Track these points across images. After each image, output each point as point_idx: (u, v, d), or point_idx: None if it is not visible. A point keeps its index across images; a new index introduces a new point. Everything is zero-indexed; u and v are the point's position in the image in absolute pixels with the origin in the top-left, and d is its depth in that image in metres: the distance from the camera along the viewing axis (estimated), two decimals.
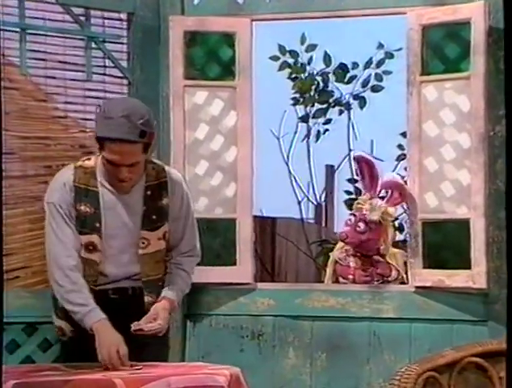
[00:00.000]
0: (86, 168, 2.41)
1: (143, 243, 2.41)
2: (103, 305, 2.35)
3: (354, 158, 3.24)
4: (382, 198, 3.24)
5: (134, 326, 2.33)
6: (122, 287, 2.44)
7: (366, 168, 3.18)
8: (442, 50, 2.97)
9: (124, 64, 3.16)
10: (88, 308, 2.33)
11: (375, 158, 3.41)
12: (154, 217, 2.42)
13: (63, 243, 2.37)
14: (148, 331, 2.35)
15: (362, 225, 3.16)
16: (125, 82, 3.18)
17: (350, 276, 3.19)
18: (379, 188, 3.19)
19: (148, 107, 3.27)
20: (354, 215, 3.21)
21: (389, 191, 3.22)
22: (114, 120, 2.28)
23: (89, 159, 2.45)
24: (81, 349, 2.35)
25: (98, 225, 2.37)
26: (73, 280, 2.36)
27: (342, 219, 4.66)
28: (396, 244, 4.10)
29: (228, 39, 3.16)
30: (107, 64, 3.14)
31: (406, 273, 3.15)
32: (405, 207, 4.46)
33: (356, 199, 3.52)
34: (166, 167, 2.52)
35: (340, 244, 3.35)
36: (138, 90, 3.18)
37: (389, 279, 3.20)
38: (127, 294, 2.44)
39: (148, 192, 2.42)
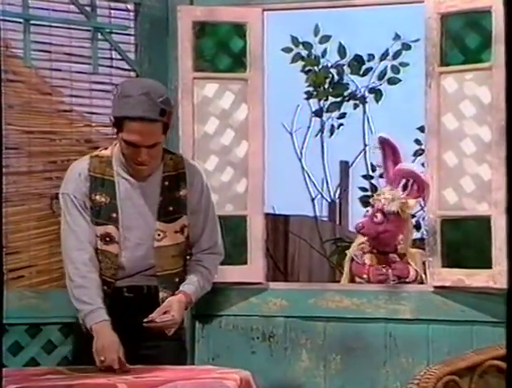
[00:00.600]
0: (102, 157, 2.41)
1: (158, 235, 2.39)
2: (118, 304, 2.35)
3: (377, 140, 3.20)
4: (404, 190, 3.21)
5: (146, 319, 2.32)
6: (137, 285, 2.41)
7: (389, 153, 3.14)
8: (461, 40, 2.95)
9: (132, 56, 3.16)
10: (92, 307, 2.32)
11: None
12: (171, 208, 2.40)
13: (76, 236, 2.37)
14: (161, 323, 2.32)
15: (379, 216, 3.14)
16: (132, 74, 3.17)
17: (365, 275, 3.17)
18: (398, 177, 3.16)
19: None
20: (373, 206, 3.19)
21: (409, 183, 3.18)
22: (133, 98, 2.26)
23: (105, 149, 2.45)
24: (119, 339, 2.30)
25: (114, 215, 2.36)
26: (82, 275, 2.35)
27: (356, 217, 4.64)
28: (413, 242, 4.05)
29: (239, 29, 3.14)
30: (113, 56, 3.13)
31: (424, 273, 3.11)
32: (423, 203, 4.43)
33: (372, 196, 3.49)
34: (185, 158, 2.52)
35: (357, 241, 3.33)
36: None
37: (407, 280, 3.17)
38: (142, 293, 2.41)
39: (166, 183, 2.41)
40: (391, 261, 3.20)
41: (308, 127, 5.49)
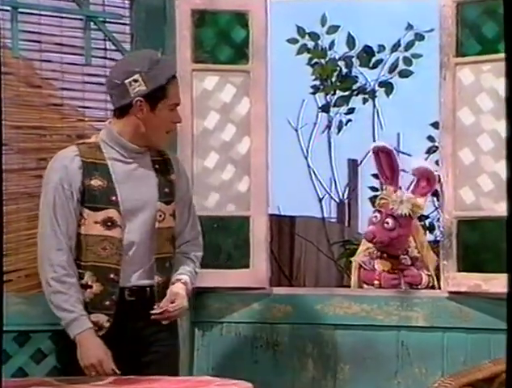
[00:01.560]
0: (89, 143, 2.49)
1: (160, 216, 2.47)
2: (120, 308, 2.39)
3: (372, 150, 3.17)
4: (406, 189, 3.19)
5: (156, 310, 2.38)
6: (139, 286, 2.45)
7: (384, 159, 3.12)
8: (478, 28, 2.93)
9: (127, 46, 3.14)
10: (74, 315, 2.36)
11: (402, 153, 3.35)
12: (167, 190, 2.50)
13: (56, 233, 2.40)
14: (174, 312, 2.40)
15: (390, 222, 3.10)
16: None
17: (376, 282, 3.13)
18: (400, 181, 3.14)
19: None
20: (380, 211, 3.14)
21: (414, 181, 3.14)
22: (161, 60, 2.46)
23: (88, 137, 2.55)
24: (118, 343, 2.38)
25: (114, 198, 2.42)
26: (61, 279, 2.39)
27: (366, 218, 4.59)
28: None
29: (241, 18, 3.13)
30: (107, 46, 3.11)
31: (438, 277, 3.08)
32: (437, 204, 4.40)
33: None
34: None
35: (362, 246, 3.29)
36: None
37: (419, 287, 3.13)
38: (144, 295, 2.45)
39: (157, 166, 2.51)
40: (403, 266, 3.16)
41: (315, 123, 5.46)
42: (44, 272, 2.41)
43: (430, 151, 4.96)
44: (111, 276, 2.42)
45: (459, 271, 2.94)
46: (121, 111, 2.47)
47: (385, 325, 2.99)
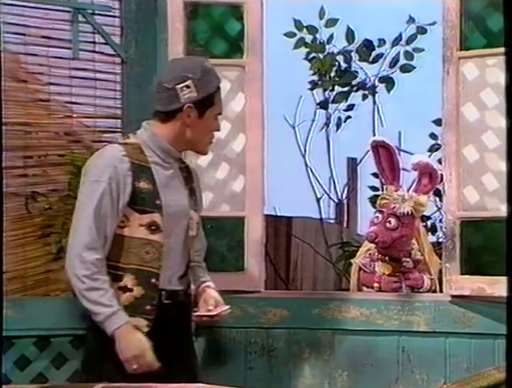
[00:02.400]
0: (132, 144, 2.53)
1: (192, 224, 2.57)
2: (159, 313, 2.45)
3: (371, 145, 3.17)
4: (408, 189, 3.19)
5: (207, 311, 2.51)
6: (174, 290, 2.53)
7: (384, 156, 3.11)
8: (483, 21, 2.92)
9: (116, 39, 3.13)
10: (112, 309, 2.40)
11: (404, 151, 3.35)
12: (194, 198, 2.61)
13: (92, 231, 2.42)
14: (222, 315, 2.56)
15: (393, 221, 3.10)
16: (118, 60, 3.15)
17: (376, 284, 3.12)
18: (401, 179, 3.14)
19: (144, 89, 3.21)
20: (381, 211, 3.13)
21: (416, 178, 3.14)
22: (211, 70, 2.55)
23: (128, 138, 2.58)
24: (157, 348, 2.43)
25: (158, 202, 2.48)
26: (94, 277, 2.41)
27: (365, 219, 4.59)
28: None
29: (236, 11, 3.12)
30: (96, 40, 3.11)
31: (440, 281, 3.07)
32: (439, 204, 4.39)
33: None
34: None
35: (363, 248, 3.28)
36: (132, 69, 3.16)
37: (420, 291, 3.12)
38: (178, 299, 2.54)
39: (184, 174, 2.60)
40: (405, 269, 3.15)
41: (313, 120, 5.48)
42: (74, 269, 2.42)
43: (432, 149, 4.96)
44: (153, 280, 2.47)
45: (462, 274, 2.93)
46: (167, 116, 2.52)
47: (385, 330, 2.98)
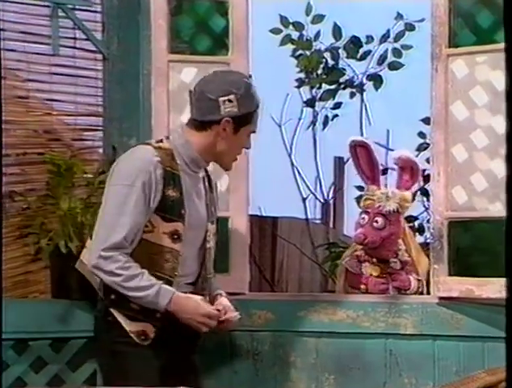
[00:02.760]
0: (166, 150, 2.57)
1: (208, 236, 2.63)
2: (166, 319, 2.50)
3: (349, 146, 3.18)
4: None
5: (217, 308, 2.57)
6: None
7: (363, 155, 3.13)
8: (473, 18, 2.92)
9: (98, 35, 3.12)
10: (157, 286, 2.48)
11: (391, 150, 3.35)
12: (213, 208, 2.67)
13: (122, 234, 2.47)
14: (233, 319, 2.62)
15: (380, 220, 3.11)
16: (99, 56, 3.14)
17: (363, 286, 3.13)
18: (380, 177, 3.16)
19: (127, 87, 3.18)
20: (367, 212, 3.14)
21: (397, 174, 3.16)
22: (254, 87, 2.61)
23: (161, 141, 2.61)
24: (159, 356, 2.52)
25: (183, 212, 2.54)
26: (127, 266, 2.48)
27: (352, 219, 4.58)
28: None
29: (221, 6, 3.12)
30: (77, 35, 3.10)
31: (428, 282, 3.07)
32: (427, 204, 4.39)
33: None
34: None
35: (349, 250, 3.28)
36: (114, 67, 3.15)
37: (408, 292, 3.13)
38: None
39: (206, 183, 2.66)
40: (392, 270, 3.15)
41: (299, 118, 5.47)
42: (104, 266, 2.48)
43: (420, 148, 4.96)
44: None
45: (450, 275, 2.93)
46: (203, 125, 2.57)
47: (372, 332, 2.98)
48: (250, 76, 2.67)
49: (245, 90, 2.56)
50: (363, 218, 3.14)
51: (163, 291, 2.48)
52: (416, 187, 3.27)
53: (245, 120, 2.58)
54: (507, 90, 1.09)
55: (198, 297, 2.54)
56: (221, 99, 2.54)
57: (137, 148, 2.61)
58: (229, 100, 2.54)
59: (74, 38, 3.08)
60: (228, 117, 2.55)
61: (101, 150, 3.17)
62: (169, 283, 2.52)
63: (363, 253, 3.18)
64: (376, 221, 3.11)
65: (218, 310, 2.56)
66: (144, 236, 2.51)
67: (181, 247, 2.53)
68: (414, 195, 3.77)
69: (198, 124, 2.57)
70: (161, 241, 2.51)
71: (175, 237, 2.52)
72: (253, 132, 2.64)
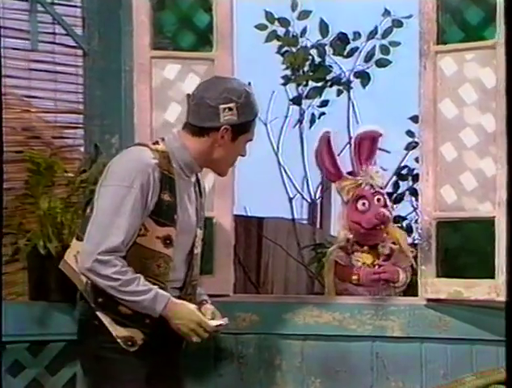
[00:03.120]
0: (163, 152, 2.57)
1: (197, 242, 2.64)
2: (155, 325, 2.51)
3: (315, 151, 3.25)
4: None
5: (218, 322, 2.58)
6: None
7: (326, 151, 3.21)
8: (461, 14, 2.93)
9: (78, 31, 3.12)
10: (154, 291, 2.49)
11: (379, 149, 3.37)
12: (202, 213, 2.67)
13: (119, 236, 2.47)
14: (221, 327, 2.61)
15: (381, 198, 3.18)
16: (79, 52, 3.13)
17: (355, 277, 3.14)
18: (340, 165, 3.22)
19: (108, 83, 3.16)
20: (362, 196, 3.17)
21: (356, 150, 3.22)
22: (254, 96, 2.62)
23: (157, 143, 2.61)
24: (147, 362, 2.52)
25: (175, 216, 2.54)
26: (123, 270, 2.48)
27: (339, 219, 4.57)
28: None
29: (204, 2, 3.11)
30: (56, 30, 3.09)
31: (415, 283, 3.07)
32: (415, 204, 4.40)
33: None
34: None
35: (334, 246, 3.27)
36: (95, 63, 3.15)
37: (397, 285, 3.13)
38: None
39: (196, 188, 2.66)
40: (383, 258, 3.17)
41: (285, 116, 5.47)
42: (100, 269, 2.47)
43: (409, 147, 4.97)
44: None
45: (438, 276, 2.94)
46: (200, 131, 2.58)
47: (359, 335, 2.98)
48: (250, 83, 2.67)
49: (245, 98, 2.58)
50: (363, 204, 3.17)
51: (159, 296, 2.49)
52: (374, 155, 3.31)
53: (243, 129, 2.60)
54: (507, 94, 1.08)
55: (193, 305, 2.55)
56: (221, 106, 2.55)
57: (134, 149, 2.61)
58: (229, 108, 2.56)
59: (54, 33, 3.08)
60: (228, 125, 2.57)
61: (82, 149, 3.17)
62: (162, 289, 2.53)
63: (350, 245, 3.19)
64: (379, 200, 3.17)
65: (217, 325, 2.56)
66: (138, 240, 2.51)
67: (172, 253, 2.54)
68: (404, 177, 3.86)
69: (195, 130, 2.58)
70: (154, 245, 2.52)
71: (168, 242, 2.53)
72: (250, 140, 2.66)
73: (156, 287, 2.50)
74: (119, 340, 2.50)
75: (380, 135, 3.23)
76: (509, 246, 1.12)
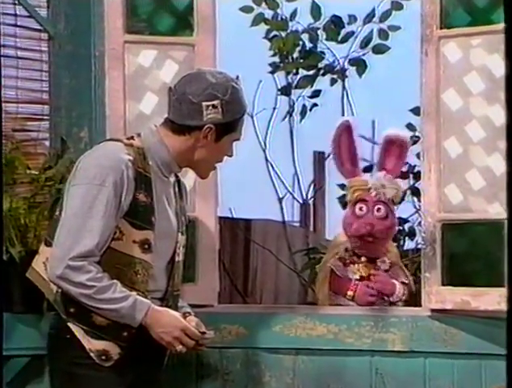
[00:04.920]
0: (138, 148, 2.56)
1: (178, 248, 2.63)
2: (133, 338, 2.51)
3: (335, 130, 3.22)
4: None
5: (202, 331, 2.57)
6: None
7: (344, 142, 3.17)
8: None
9: (43, 12, 3.12)
10: (132, 298, 2.48)
11: (377, 144, 3.39)
12: (183, 218, 2.66)
13: (92, 240, 2.46)
14: (210, 339, 2.63)
15: (382, 208, 3.18)
16: (44, 36, 3.13)
17: (350, 292, 3.14)
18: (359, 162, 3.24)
19: (76, 70, 3.15)
20: (364, 200, 3.16)
21: (381, 156, 3.22)
22: (241, 91, 2.61)
23: (132, 138, 2.60)
24: (122, 378, 2.52)
25: (153, 219, 2.54)
26: (98, 277, 2.47)
27: (334, 221, 4.59)
28: (405, 254, 4.00)
29: None
30: (18, 12, 3.09)
31: (419, 293, 3.08)
32: (418, 205, 4.41)
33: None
34: None
35: (329, 254, 3.29)
36: (62, 48, 3.15)
37: (392, 299, 3.14)
38: None
39: (176, 189, 2.66)
40: (379, 270, 3.17)
41: (274, 108, 5.49)
42: (73, 277, 2.45)
43: (409, 142, 4.99)
44: None
45: (443, 285, 2.96)
46: (181, 129, 2.57)
47: (356, 349, 3.00)
48: (238, 77, 2.65)
49: (231, 95, 2.56)
50: (361, 208, 3.18)
51: (139, 303, 2.48)
52: (401, 167, 3.34)
53: (229, 128, 2.59)
54: (507, 87, 1.08)
55: (176, 313, 2.56)
56: (204, 103, 2.54)
57: (106, 144, 2.61)
58: (213, 106, 2.55)
59: (15, 15, 3.08)
60: (211, 124, 2.56)
61: (47, 143, 3.17)
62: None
63: (348, 255, 3.19)
64: (379, 210, 3.16)
65: (202, 333, 2.56)
66: (112, 244, 2.50)
67: (152, 259, 2.54)
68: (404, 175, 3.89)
69: (175, 127, 2.57)
70: (131, 250, 2.51)
71: (146, 247, 2.52)
72: (237, 139, 2.65)
73: (134, 293, 2.49)
74: (92, 354, 2.49)
75: (405, 142, 3.25)
76: (510, 250, 1.11)
